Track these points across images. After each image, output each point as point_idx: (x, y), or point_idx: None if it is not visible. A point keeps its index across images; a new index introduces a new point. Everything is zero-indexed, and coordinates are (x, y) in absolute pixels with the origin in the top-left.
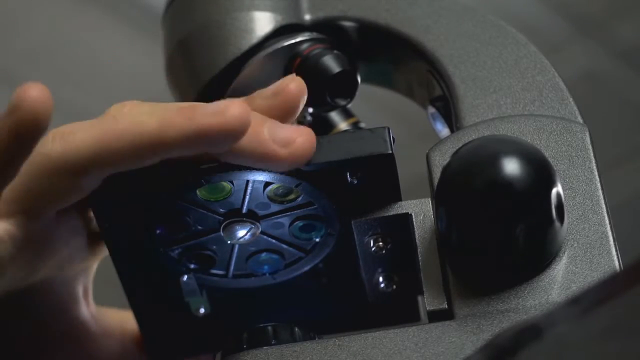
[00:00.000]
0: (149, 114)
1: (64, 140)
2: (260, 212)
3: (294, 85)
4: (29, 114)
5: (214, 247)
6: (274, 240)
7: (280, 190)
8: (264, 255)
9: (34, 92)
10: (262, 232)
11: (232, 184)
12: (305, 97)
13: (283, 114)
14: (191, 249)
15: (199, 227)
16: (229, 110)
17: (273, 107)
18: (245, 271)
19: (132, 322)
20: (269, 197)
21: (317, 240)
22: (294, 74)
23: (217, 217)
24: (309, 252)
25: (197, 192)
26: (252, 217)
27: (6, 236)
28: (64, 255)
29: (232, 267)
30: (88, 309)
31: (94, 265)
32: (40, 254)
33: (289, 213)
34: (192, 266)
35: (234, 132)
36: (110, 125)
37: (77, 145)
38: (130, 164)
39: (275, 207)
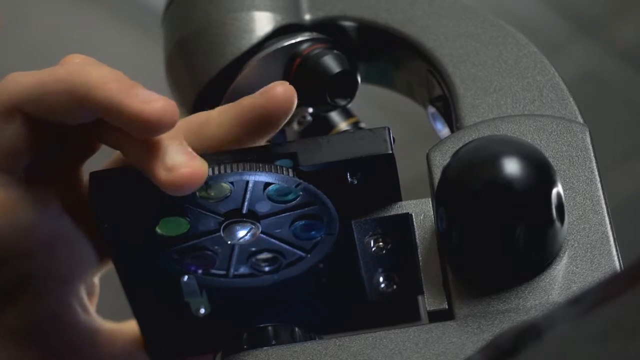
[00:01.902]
0: (93, 68)
1: (11, 79)
2: (260, 212)
3: (281, 88)
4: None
5: (215, 247)
6: (274, 240)
7: (280, 190)
8: (264, 255)
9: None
10: (262, 232)
11: (232, 184)
12: (293, 105)
13: (265, 114)
14: (191, 250)
15: (200, 228)
16: (155, 102)
17: (256, 105)
18: (246, 271)
19: (134, 328)
20: (269, 197)
21: (318, 239)
22: (285, 81)
23: (217, 217)
24: (309, 251)
25: (197, 192)
26: (252, 217)
27: None
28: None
29: (232, 267)
30: (88, 317)
31: (95, 274)
32: (15, 227)
33: (289, 213)
34: (192, 267)
35: (151, 123)
36: (56, 69)
37: (21, 85)
38: (64, 112)
39: (275, 207)
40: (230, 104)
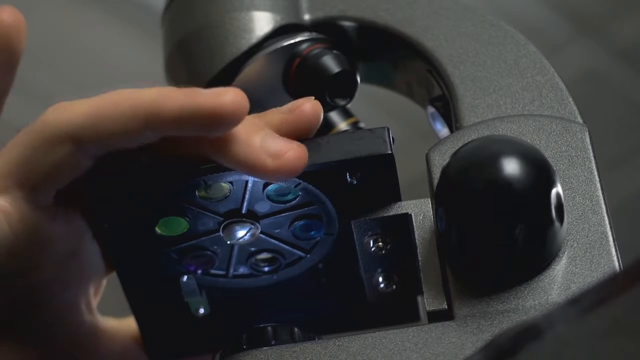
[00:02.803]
0: (147, 89)
1: (61, 109)
2: (260, 212)
3: (309, 105)
4: (1, 38)
5: (214, 247)
6: (273, 240)
7: (280, 190)
8: (263, 255)
9: (5, 16)
10: (261, 232)
11: (232, 184)
12: (319, 122)
13: (294, 132)
14: (191, 250)
15: (199, 228)
16: (226, 93)
17: (284, 122)
18: (245, 271)
19: (134, 325)
20: (268, 197)
21: (317, 239)
22: (312, 97)
23: (217, 217)
24: (309, 251)
25: (197, 192)
26: (251, 217)
27: (0, 214)
28: (62, 254)
29: (232, 267)
30: (92, 316)
31: (104, 277)
32: (36, 243)
33: (288, 213)
34: (191, 267)
35: (229, 115)
36: (109, 95)
37: (74, 113)
38: (125, 136)
39: (274, 207)
40: (255, 116)
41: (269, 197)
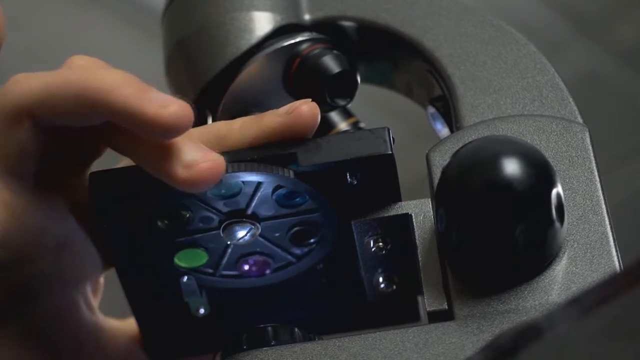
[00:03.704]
0: (104, 72)
1: (18, 83)
2: (263, 215)
3: (306, 107)
4: None
5: (208, 245)
6: (268, 244)
7: (289, 195)
8: (255, 257)
9: None
10: (259, 235)
11: (244, 184)
12: (317, 122)
13: (292, 134)
14: (185, 245)
15: (200, 224)
16: (170, 105)
17: (283, 124)
18: (234, 272)
19: (135, 325)
20: (276, 201)
21: (311, 247)
22: (309, 99)
23: (219, 215)
24: (299, 258)
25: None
26: (253, 218)
27: None
28: (53, 244)
29: (221, 267)
30: (93, 315)
31: (101, 274)
32: (26, 232)
33: (290, 218)
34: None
35: (166, 128)
36: (64, 73)
37: (28, 87)
38: (73, 116)
39: (279, 211)
40: (253, 117)
41: (277, 201)
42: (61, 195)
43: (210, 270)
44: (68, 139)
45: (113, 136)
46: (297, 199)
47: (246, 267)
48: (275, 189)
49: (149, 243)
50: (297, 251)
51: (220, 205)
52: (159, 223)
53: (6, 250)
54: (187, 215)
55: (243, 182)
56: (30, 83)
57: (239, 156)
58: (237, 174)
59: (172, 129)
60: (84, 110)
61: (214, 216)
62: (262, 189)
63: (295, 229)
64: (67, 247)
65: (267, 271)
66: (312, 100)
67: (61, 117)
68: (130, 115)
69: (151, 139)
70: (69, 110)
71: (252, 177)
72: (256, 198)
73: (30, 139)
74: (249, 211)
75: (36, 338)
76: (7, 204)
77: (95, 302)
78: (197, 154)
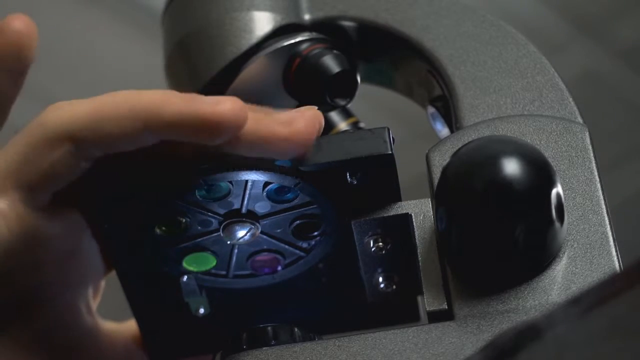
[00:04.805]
0: (148, 92)
1: (61, 108)
2: (260, 212)
3: (303, 124)
4: (12, 45)
5: (214, 247)
6: (273, 240)
7: (279, 190)
8: (264, 255)
9: (17, 24)
10: (262, 232)
11: (232, 184)
12: (320, 131)
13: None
14: (190, 250)
15: (199, 228)
16: (225, 102)
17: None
18: (246, 271)
19: (134, 328)
20: (268, 197)
21: (317, 239)
22: (315, 107)
23: (217, 217)
24: (308, 251)
25: (197, 192)
26: (251, 217)
27: None
28: (60, 254)
29: (232, 268)
30: (92, 318)
31: (103, 278)
32: (34, 244)
33: (288, 212)
34: (191, 268)
35: (228, 124)
36: (109, 97)
37: (73, 113)
38: (124, 138)
39: (275, 207)
40: (253, 118)
41: (268, 197)
42: (77, 209)
43: (223, 272)
44: (108, 165)
45: (174, 152)
46: (289, 194)
47: (257, 266)
48: (264, 185)
49: (151, 249)
50: (304, 244)
51: (215, 207)
52: (157, 230)
53: (14, 260)
54: (184, 220)
55: (230, 182)
56: (76, 108)
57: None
58: (221, 175)
59: (234, 122)
60: (136, 128)
61: (211, 219)
62: (250, 187)
63: (297, 222)
64: (75, 256)
65: (279, 267)
66: (312, 100)
67: (111, 140)
68: (188, 121)
69: (214, 140)
70: (120, 131)
71: (234, 177)
72: (247, 196)
73: (64, 163)
74: (244, 210)
75: (37, 342)
76: (20, 218)
77: (94, 304)
78: (290, 112)
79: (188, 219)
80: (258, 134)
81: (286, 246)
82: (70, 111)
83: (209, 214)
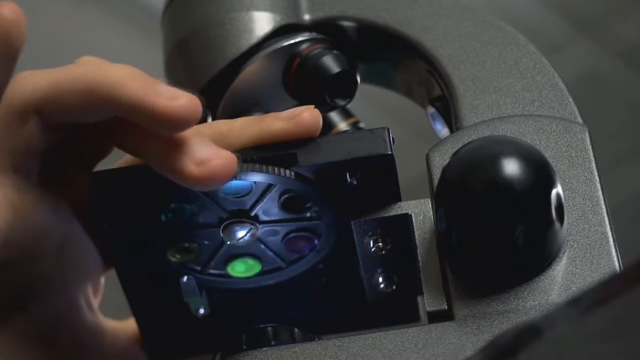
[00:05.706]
0: (111, 67)
1: (24, 81)
2: (264, 217)
3: (308, 114)
4: (1, 33)
5: (203, 241)
6: (262, 246)
7: (296, 199)
8: (244, 258)
9: (5, 10)
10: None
11: (255, 184)
12: (319, 129)
13: (289, 139)
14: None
15: (200, 220)
16: (180, 98)
17: (284, 129)
18: (222, 271)
19: (136, 326)
20: (281, 204)
21: (302, 255)
22: (311, 106)
23: (223, 214)
24: (289, 264)
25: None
26: (255, 220)
27: None
28: (55, 243)
29: (210, 265)
30: (93, 316)
31: (101, 274)
32: (30, 231)
33: (290, 223)
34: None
35: (176, 120)
36: (70, 70)
37: (35, 86)
38: (82, 112)
39: (281, 215)
40: (253, 118)
41: (282, 205)
42: (65, 196)
43: (198, 268)
44: (75, 137)
45: (121, 134)
46: (306, 205)
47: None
48: (282, 193)
49: (147, 234)
50: (289, 257)
51: (226, 203)
52: (163, 217)
53: (9, 249)
54: (191, 208)
55: (255, 182)
56: (37, 80)
57: (245, 156)
58: (252, 174)
59: (182, 122)
60: (93, 104)
61: (217, 214)
62: (271, 191)
63: (291, 235)
64: (69, 248)
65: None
66: (312, 101)
67: (69, 113)
68: (139, 107)
69: (160, 132)
70: (77, 105)
71: (264, 179)
72: (264, 200)
73: (37, 137)
74: (253, 212)
75: (37, 338)
76: (11, 202)
77: (95, 302)
78: (209, 150)
79: (195, 208)
80: (169, 162)
81: (272, 254)
82: (32, 83)
83: (219, 208)
